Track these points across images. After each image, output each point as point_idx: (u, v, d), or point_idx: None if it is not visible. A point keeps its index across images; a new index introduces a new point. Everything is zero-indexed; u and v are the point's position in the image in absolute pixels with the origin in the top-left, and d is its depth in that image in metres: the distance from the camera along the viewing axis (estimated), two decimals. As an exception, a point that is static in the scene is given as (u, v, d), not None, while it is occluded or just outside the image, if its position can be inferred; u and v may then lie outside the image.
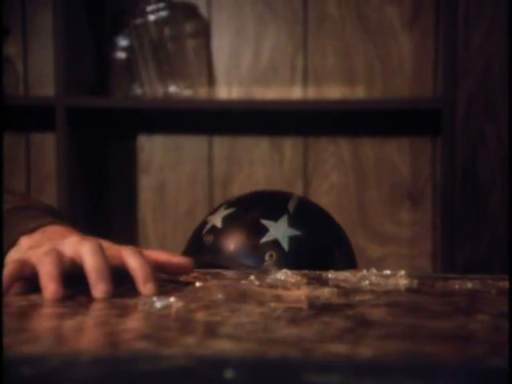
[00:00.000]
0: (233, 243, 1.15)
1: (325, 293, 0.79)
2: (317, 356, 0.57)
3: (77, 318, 0.70)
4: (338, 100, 2.12)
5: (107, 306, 0.74)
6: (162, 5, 2.16)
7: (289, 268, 1.12)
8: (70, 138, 2.04)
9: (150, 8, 2.16)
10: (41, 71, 2.26)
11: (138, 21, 2.17)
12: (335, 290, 0.80)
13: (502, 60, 2.05)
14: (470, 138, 2.09)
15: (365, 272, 0.87)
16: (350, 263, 1.22)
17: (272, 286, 0.82)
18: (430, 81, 2.13)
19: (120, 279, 0.80)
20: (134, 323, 0.68)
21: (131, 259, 0.80)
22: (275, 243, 1.14)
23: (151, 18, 2.16)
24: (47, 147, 2.28)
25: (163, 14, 2.16)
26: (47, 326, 0.67)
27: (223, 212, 1.19)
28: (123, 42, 2.22)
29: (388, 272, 0.87)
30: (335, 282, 0.86)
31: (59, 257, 0.78)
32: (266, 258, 1.13)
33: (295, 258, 1.14)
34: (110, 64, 2.23)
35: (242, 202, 1.22)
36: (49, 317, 0.70)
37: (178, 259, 0.86)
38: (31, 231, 0.87)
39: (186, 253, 1.22)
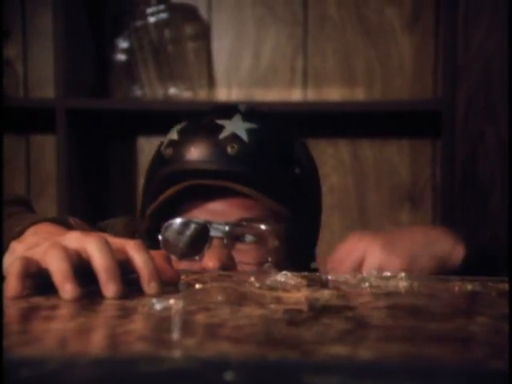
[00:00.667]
0: (193, 146, 1.14)
1: (325, 295, 0.79)
2: (317, 358, 0.56)
3: (76, 319, 0.70)
4: (337, 102, 2.12)
5: (107, 308, 0.74)
6: (162, 7, 2.16)
7: (252, 161, 1.12)
8: (70, 139, 2.04)
9: (150, 10, 2.17)
10: (41, 73, 2.26)
11: (138, 23, 2.17)
12: (335, 292, 0.80)
13: (502, 61, 2.05)
14: (470, 139, 2.09)
15: (365, 274, 0.87)
16: (308, 156, 1.22)
17: (272, 288, 0.81)
18: (429, 82, 2.13)
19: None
20: (133, 325, 0.68)
21: (137, 255, 0.80)
22: (234, 136, 1.13)
23: (151, 20, 2.16)
24: (47, 149, 2.28)
25: (163, 16, 2.16)
26: (47, 328, 0.67)
27: (177, 127, 1.19)
28: (123, 43, 2.22)
29: (388, 274, 0.87)
30: (335, 283, 0.86)
31: (67, 252, 0.77)
32: (228, 150, 1.12)
33: (257, 149, 1.13)
34: (110, 66, 2.24)
35: (192, 116, 1.21)
36: (48, 319, 0.70)
37: (169, 268, 0.86)
38: (19, 234, 0.86)
39: (147, 175, 1.20)
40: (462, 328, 0.66)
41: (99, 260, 0.77)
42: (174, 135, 1.18)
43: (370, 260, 0.99)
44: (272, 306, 0.74)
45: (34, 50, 2.28)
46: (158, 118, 2.24)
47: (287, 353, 0.58)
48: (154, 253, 0.84)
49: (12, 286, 0.75)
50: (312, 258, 1.25)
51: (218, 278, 0.88)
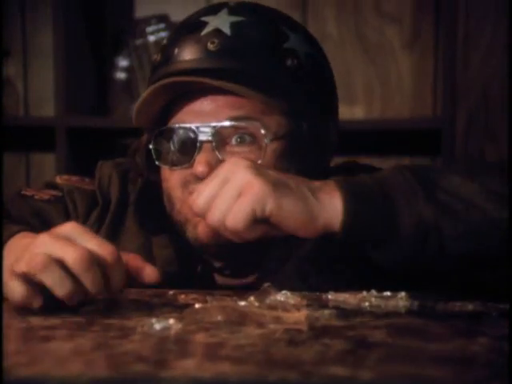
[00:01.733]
0: (176, 47, 1.08)
1: (325, 314, 0.78)
2: (317, 379, 0.56)
3: (76, 340, 0.69)
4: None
5: (106, 328, 0.73)
6: (161, 25, 2.17)
7: (234, 55, 1.04)
8: (70, 157, 2.04)
9: (150, 29, 2.17)
10: (41, 91, 2.27)
11: (138, 41, 2.18)
12: (335, 311, 0.80)
13: (502, 80, 2.06)
14: (470, 158, 2.09)
15: (365, 293, 0.87)
16: (310, 48, 1.13)
17: (271, 308, 0.81)
18: (429, 101, 2.14)
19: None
20: (132, 345, 0.68)
21: (115, 274, 0.80)
22: (216, 31, 1.06)
23: (151, 38, 2.17)
24: (47, 167, 2.28)
25: (163, 34, 2.17)
26: (46, 348, 0.66)
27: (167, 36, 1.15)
28: (123, 62, 2.22)
29: (388, 293, 0.87)
30: (335, 303, 0.86)
31: (60, 265, 0.78)
32: (209, 46, 1.05)
33: (239, 42, 1.06)
34: (110, 84, 2.24)
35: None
36: (48, 339, 0.69)
37: (146, 266, 0.85)
38: None
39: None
40: (462, 348, 0.66)
41: (90, 285, 0.78)
42: (164, 41, 1.13)
43: (233, 181, 0.83)
44: (272, 326, 0.73)
45: (34, 69, 2.29)
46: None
47: (287, 373, 0.57)
48: (128, 256, 0.84)
49: (34, 302, 0.77)
50: (324, 166, 1.13)
51: (217, 297, 0.88)
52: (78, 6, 2.13)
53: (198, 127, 1.04)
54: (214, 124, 1.03)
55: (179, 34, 1.10)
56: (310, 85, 1.08)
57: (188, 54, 1.06)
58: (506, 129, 2.05)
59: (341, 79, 2.17)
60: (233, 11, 1.08)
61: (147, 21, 2.19)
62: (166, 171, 1.08)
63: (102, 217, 1.12)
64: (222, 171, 0.86)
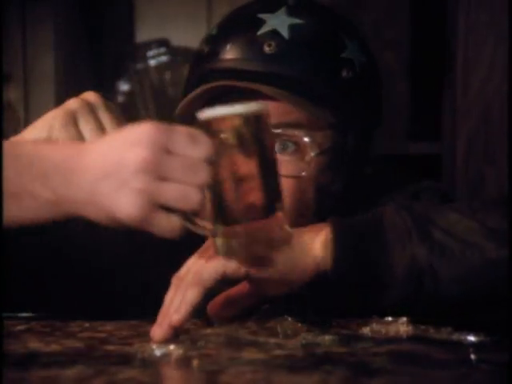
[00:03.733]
0: (229, 43, 1.03)
1: (325, 340, 0.78)
2: (318, 406, 0.56)
3: (76, 367, 0.69)
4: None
5: (106, 354, 0.73)
6: (162, 50, 2.18)
7: (290, 61, 1.00)
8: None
9: (150, 53, 2.18)
10: (42, 116, 2.27)
11: (139, 66, 2.19)
12: (336, 337, 0.79)
13: (501, 105, 2.06)
14: (470, 183, 2.09)
15: (366, 319, 0.87)
16: (366, 59, 1.07)
17: (272, 334, 0.81)
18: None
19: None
20: (133, 372, 0.67)
21: None
22: (274, 33, 1.02)
23: (152, 62, 2.18)
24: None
25: (164, 58, 2.17)
26: (46, 375, 0.66)
27: (219, 21, 1.09)
28: (124, 86, 2.23)
29: (389, 319, 0.86)
30: (336, 328, 0.86)
31: None
32: (265, 48, 1.01)
33: (297, 48, 1.02)
34: (111, 108, 2.24)
35: (237, 8, 1.10)
36: (48, 366, 0.69)
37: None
38: None
39: (187, 75, 1.09)
40: (464, 376, 0.65)
41: None
42: (213, 30, 1.08)
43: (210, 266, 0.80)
44: (272, 352, 0.73)
45: (35, 94, 2.29)
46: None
47: (288, 401, 0.57)
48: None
49: None
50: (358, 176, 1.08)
51: (218, 322, 0.88)
52: (78, 30, 2.14)
53: None
54: None
55: (233, 29, 1.06)
56: (362, 98, 1.06)
57: (241, 52, 1.03)
58: (506, 152, 2.05)
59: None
60: (292, 12, 1.04)
61: (148, 45, 2.20)
62: None
63: None
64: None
